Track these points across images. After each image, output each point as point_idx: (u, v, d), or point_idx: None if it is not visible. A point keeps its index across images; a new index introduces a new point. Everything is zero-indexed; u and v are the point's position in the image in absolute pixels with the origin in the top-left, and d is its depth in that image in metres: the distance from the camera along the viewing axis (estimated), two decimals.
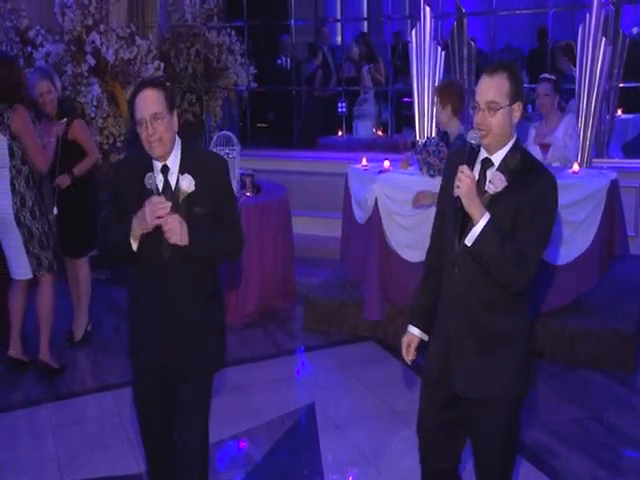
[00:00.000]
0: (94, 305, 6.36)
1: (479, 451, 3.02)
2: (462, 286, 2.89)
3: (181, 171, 3.09)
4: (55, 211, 5.58)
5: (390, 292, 5.98)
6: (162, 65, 8.17)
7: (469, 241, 2.75)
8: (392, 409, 4.89)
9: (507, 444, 2.99)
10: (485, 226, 2.71)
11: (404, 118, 10.25)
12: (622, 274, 6.44)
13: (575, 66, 6.81)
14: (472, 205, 2.72)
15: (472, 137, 2.83)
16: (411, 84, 6.82)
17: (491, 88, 2.78)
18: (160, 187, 3.08)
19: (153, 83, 3.10)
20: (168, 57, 9.18)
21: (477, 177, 2.83)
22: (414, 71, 6.77)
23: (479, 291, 2.86)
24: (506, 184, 2.78)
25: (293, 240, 6.90)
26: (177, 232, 2.98)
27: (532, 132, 6.28)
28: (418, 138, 6.72)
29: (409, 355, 3.16)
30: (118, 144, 7.97)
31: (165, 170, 3.09)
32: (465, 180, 2.71)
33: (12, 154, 5.12)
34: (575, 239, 5.58)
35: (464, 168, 2.74)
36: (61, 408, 4.99)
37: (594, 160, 6.58)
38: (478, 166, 2.87)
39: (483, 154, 2.87)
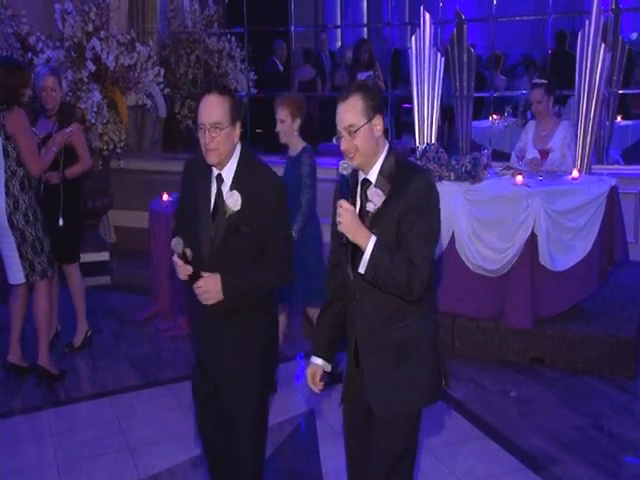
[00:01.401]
0: (93, 311, 6.36)
1: (377, 461, 3.01)
2: (365, 308, 2.93)
3: (232, 186, 3.05)
4: (61, 222, 5.57)
5: None
6: (162, 71, 8.19)
7: (362, 268, 2.77)
8: None
9: (405, 453, 2.99)
10: (373, 250, 2.73)
11: (404, 124, 10.26)
12: (622, 280, 6.45)
13: None
14: (357, 236, 2.76)
15: (343, 168, 2.84)
16: (411, 90, 6.81)
17: (347, 113, 2.80)
18: (212, 196, 3.08)
19: (220, 90, 3.03)
20: (168, 63, 9.21)
21: (360, 200, 2.89)
22: (414, 77, 6.76)
23: (381, 309, 2.90)
24: (384, 198, 2.81)
25: None
26: (209, 296, 3.01)
27: (530, 131, 6.26)
28: (418, 144, 6.70)
29: (316, 386, 3.20)
30: (118, 150, 7.98)
31: (219, 180, 3.08)
32: (345, 214, 2.76)
33: (7, 155, 5.10)
34: (575, 245, 5.58)
35: (342, 202, 2.77)
36: (60, 414, 4.98)
37: (594, 166, 6.57)
38: (359, 190, 2.91)
39: (362, 175, 2.91)
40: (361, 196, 2.89)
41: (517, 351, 5.57)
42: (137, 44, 7.97)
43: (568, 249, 5.57)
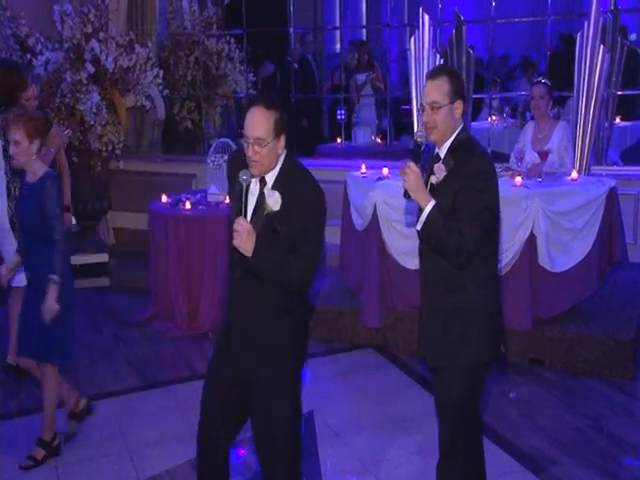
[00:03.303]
0: (93, 313, 6.37)
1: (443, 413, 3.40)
2: (424, 270, 3.37)
3: (273, 187, 3.10)
4: (73, 220, 5.56)
5: (389, 299, 5.98)
6: (161, 72, 8.18)
7: (419, 225, 3.15)
8: (391, 417, 4.88)
9: (466, 405, 3.33)
10: (431, 210, 3.10)
11: (403, 125, 10.26)
12: (621, 281, 6.45)
13: None
14: (418, 195, 3.13)
15: (419, 135, 3.25)
16: (410, 91, 6.82)
17: (433, 90, 3.19)
18: (255, 197, 3.12)
19: (267, 103, 3.04)
20: (167, 65, 9.20)
21: (429, 170, 3.24)
22: (413, 79, 6.78)
23: (437, 274, 3.27)
24: (445, 173, 3.17)
25: None
26: (242, 237, 2.99)
27: (529, 132, 6.28)
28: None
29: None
30: (117, 151, 7.98)
31: (263, 182, 3.12)
32: (410, 174, 3.11)
33: (7, 157, 5.09)
34: (574, 246, 5.59)
35: (410, 163, 3.13)
36: (59, 415, 4.97)
37: (593, 167, 6.59)
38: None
39: (436, 150, 3.30)
40: (430, 168, 3.25)
41: (516, 352, 5.57)
42: (136, 46, 7.96)
43: (567, 250, 5.58)
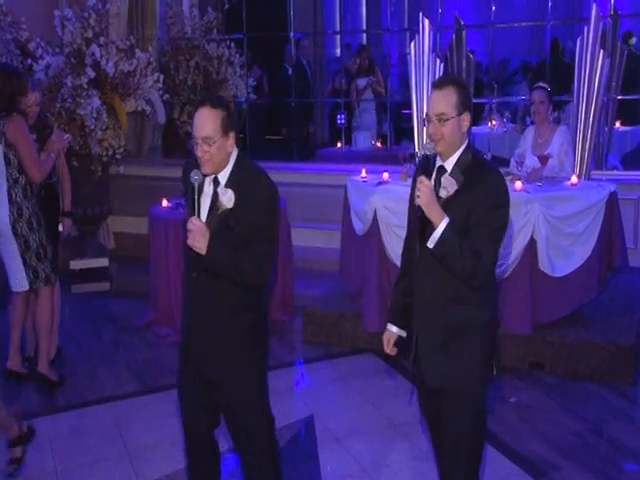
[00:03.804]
0: (93, 317, 6.36)
1: (447, 439, 3.20)
2: (427, 285, 3.14)
3: (227, 185, 3.14)
4: (61, 228, 5.57)
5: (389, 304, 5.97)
6: (162, 77, 8.20)
7: (431, 243, 2.97)
8: (391, 421, 4.88)
9: (474, 430, 3.17)
10: (445, 229, 2.93)
11: (403, 130, 10.27)
12: (621, 286, 6.44)
13: None
14: (432, 212, 2.95)
15: (427, 148, 3.09)
16: (410, 96, 6.82)
17: (440, 101, 3.04)
18: (210, 197, 3.16)
19: (213, 103, 3.10)
20: (168, 69, 9.22)
21: (433, 184, 3.04)
22: (413, 83, 6.78)
23: (442, 289, 3.10)
24: (456, 187, 3.02)
25: (292, 252, 6.91)
26: (195, 236, 3.03)
27: (529, 136, 6.28)
28: (417, 150, 6.71)
29: (390, 351, 3.40)
30: (117, 156, 7.99)
31: (215, 182, 3.17)
32: (424, 190, 2.94)
33: (8, 162, 5.09)
34: (574, 251, 5.59)
35: (422, 178, 2.96)
36: (59, 420, 4.98)
37: (593, 172, 6.59)
38: (434, 174, 3.10)
39: (439, 162, 3.12)
40: (435, 181, 3.07)
41: (516, 357, 5.57)
42: (136, 50, 7.98)
43: (567, 255, 5.58)
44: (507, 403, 5.09)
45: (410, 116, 7.16)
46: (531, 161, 6.04)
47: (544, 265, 5.52)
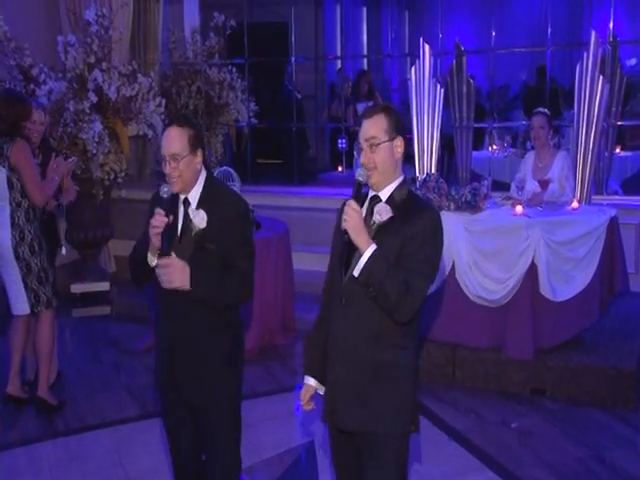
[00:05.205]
0: (94, 341, 6.34)
1: None
2: (349, 317, 2.91)
3: (198, 206, 3.17)
4: (64, 251, 5.58)
5: None
6: (163, 102, 8.24)
7: (356, 271, 2.79)
8: None
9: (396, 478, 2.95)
10: (371, 255, 2.76)
11: (404, 154, 10.29)
12: (623, 311, 6.43)
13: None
14: (359, 237, 2.78)
15: (360, 174, 2.91)
16: (410, 121, 6.85)
17: (371, 127, 2.90)
18: (180, 219, 3.19)
19: (179, 122, 3.15)
20: (170, 94, 9.25)
21: (365, 213, 2.91)
22: (413, 108, 6.81)
23: (365, 322, 2.88)
24: (392, 214, 2.86)
25: (293, 276, 6.90)
26: (173, 277, 3.06)
27: (529, 161, 6.30)
28: (418, 174, 6.73)
29: (307, 406, 3.23)
30: (119, 180, 8.01)
31: (186, 203, 3.20)
32: (352, 213, 2.78)
33: (11, 186, 5.11)
34: (575, 276, 5.58)
35: (351, 202, 2.82)
36: (59, 445, 4.96)
37: (593, 197, 6.60)
38: (367, 203, 2.96)
39: (371, 193, 2.97)
40: (367, 209, 2.94)
41: (518, 382, 5.55)
42: (139, 75, 8.02)
43: (568, 279, 5.57)
44: (508, 429, 5.07)
45: (410, 140, 7.18)
46: (532, 186, 6.05)
47: (545, 290, 5.51)
